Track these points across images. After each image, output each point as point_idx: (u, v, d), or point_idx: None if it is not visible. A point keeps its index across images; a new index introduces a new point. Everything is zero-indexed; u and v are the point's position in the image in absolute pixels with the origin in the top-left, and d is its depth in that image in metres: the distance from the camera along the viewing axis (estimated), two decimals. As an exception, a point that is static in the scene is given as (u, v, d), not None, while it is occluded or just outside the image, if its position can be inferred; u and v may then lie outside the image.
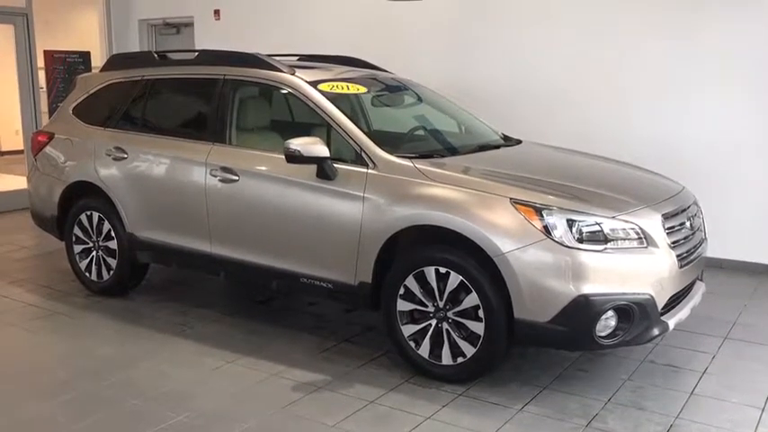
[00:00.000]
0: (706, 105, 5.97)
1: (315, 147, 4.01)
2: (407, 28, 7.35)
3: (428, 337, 3.87)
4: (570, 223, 3.55)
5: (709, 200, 4.98)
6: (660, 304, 3.64)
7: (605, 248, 3.54)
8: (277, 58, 4.84)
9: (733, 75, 5.83)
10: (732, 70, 5.83)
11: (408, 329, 3.93)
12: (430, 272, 3.80)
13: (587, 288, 3.48)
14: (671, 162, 5.76)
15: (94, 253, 5.34)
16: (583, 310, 3.48)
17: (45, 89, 8.97)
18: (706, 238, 4.28)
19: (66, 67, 9.04)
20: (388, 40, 7.38)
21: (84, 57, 9.26)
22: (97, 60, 9.28)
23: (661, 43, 6.08)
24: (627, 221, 3.63)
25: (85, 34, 10.29)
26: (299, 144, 4.00)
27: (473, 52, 6.99)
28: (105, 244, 5.25)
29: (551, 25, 6.58)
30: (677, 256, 3.74)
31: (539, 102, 6.68)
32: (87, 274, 5.39)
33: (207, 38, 8.75)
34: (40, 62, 8.82)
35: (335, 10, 7.86)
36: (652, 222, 3.70)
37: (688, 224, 3.98)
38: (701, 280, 4.28)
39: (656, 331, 3.66)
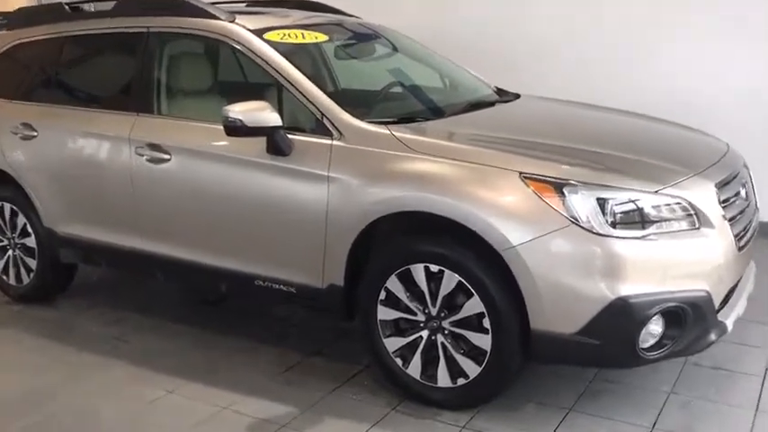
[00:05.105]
0: (740, 48, 5.08)
1: (261, 114, 3.12)
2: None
3: (419, 352, 3.04)
4: (601, 203, 2.70)
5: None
6: (717, 301, 2.83)
7: (647, 234, 2.70)
8: (219, 5, 3.91)
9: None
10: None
11: (393, 343, 3.10)
12: (418, 270, 2.96)
13: (626, 288, 2.66)
14: (692, 114, 4.87)
15: (10, 252, 4.44)
16: (621, 316, 2.67)
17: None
18: (758, 208, 3.45)
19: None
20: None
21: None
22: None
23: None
24: (673, 196, 2.78)
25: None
26: (240, 111, 3.10)
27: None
28: (22, 241, 4.36)
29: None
30: (735, 235, 2.91)
31: (532, 48, 5.77)
32: (4, 277, 4.50)
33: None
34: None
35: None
36: (705, 195, 2.86)
37: (743, 193, 3.15)
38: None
39: (713, 336, 2.85)
